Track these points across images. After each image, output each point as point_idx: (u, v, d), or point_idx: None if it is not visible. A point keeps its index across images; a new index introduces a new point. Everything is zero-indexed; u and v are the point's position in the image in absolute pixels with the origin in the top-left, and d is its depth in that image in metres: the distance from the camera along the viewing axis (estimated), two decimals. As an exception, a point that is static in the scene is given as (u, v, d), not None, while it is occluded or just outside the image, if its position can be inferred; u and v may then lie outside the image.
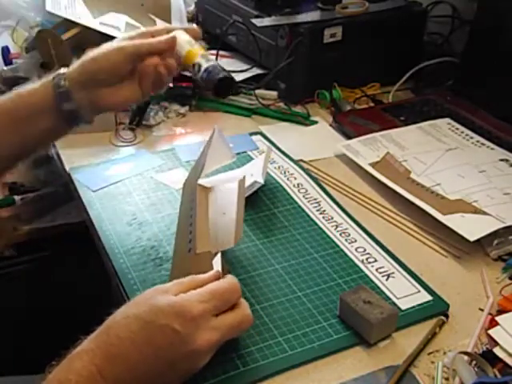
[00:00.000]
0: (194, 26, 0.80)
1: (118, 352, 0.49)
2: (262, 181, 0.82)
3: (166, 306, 0.50)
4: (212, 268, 0.59)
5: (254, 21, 1.12)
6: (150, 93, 0.76)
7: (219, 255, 0.62)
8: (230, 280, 0.55)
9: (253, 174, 0.84)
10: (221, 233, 0.67)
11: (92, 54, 0.71)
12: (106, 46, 0.72)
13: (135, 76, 0.73)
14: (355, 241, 0.77)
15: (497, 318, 0.64)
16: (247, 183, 0.81)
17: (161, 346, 0.50)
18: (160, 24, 1.28)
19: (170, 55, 0.74)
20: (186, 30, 0.77)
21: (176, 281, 0.55)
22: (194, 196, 0.66)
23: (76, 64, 0.72)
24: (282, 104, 1.12)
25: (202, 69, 0.72)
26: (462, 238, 0.75)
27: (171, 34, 0.74)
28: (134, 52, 0.70)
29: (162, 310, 0.50)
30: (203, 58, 0.74)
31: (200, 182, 0.67)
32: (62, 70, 0.72)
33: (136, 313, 0.51)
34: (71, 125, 0.74)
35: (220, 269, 0.59)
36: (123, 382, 0.49)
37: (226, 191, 0.69)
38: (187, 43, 0.75)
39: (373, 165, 0.91)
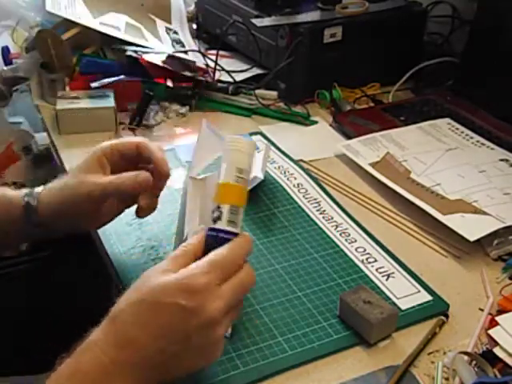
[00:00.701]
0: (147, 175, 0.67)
1: (127, 338, 0.48)
2: (261, 176, 0.82)
3: (168, 283, 0.49)
4: None
5: (254, 21, 1.12)
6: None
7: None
8: (230, 246, 0.53)
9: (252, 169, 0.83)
10: (208, 220, 0.67)
11: (64, 181, 0.68)
12: (77, 178, 0.67)
13: (112, 201, 0.69)
14: (355, 241, 0.77)
15: (497, 318, 0.64)
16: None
17: (170, 323, 0.49)
18: (160, 24, 1.28)
19: (146, 194, 0.68)
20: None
21: (169, 257, 0.53)
22: (187, 189, 0.66)
23: (50, 187, 0.69)
24: (282, 104, 1.12)
25: (213, 226, 0.55)
26: (462, 238, 0.75)
27: (151, 172, 0.66)
28: (99, 194, 0.66)
29: (166, 288, 0.49)
30: (231, 212, 0.55)
31: (193, 175, 0.67)
32: (36, 190, 0.69)
33: (139, 297, 0.50)
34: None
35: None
36: (138, 368, 0.49)
37: (217, 178, 0.69)
38: (233, 172, 0.56)
39: (373, 165, 0.91)
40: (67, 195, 0.67)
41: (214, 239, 0.54)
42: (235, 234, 0.55)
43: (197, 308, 0.49)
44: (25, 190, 0.70)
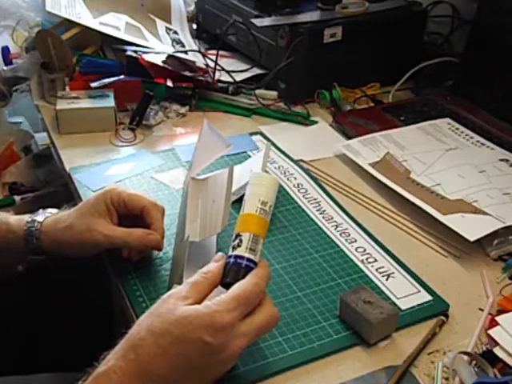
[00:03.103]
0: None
1: (149, 369, 0.48)
2: None
3: (194, 317, 0.49)
4: None
5: (254, 21, 1.12)
6: None
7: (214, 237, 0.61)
8: (253, 280, 0.53)
9: (252, 170, 0.84)
10: (209, 220, 0.67)
11: (70, 221, 0.69)
12: (85, 222, 0.68)
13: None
14: (355, 241, 0.77)
15: (497, 318, 0.64)
16: (247, 179, 0.81)
17: (192, 357, 0.49)
18: (160, 24, 1.28)
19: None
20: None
21: (189, 282, 0.53)
22: (187, 190, 0.66)
23: (54, 222, 0.70)
24: (282, 104, 1.12)
25: (233, 253, 0.55)
26: (462, 237, 0.74)
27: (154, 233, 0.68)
28: (106, 245, 0.69)
29: (191, 323, 0.49)
30: (252, 240, 0.55)
31: (193, 175, 0.67)
32: (39, 218, 0.71)
33: (162, 327, 0.49)
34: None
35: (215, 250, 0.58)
36: None
37: (217, 179, 0.70)
38: (256, 204, 0.56)
39: (373, 165, 0.91)
40: (73, 237, 0.68)
41: (236, 266, 0.55)
42: (255, 263, 0.55)
43: (221, 345, 0.49)
44: (26, 218, 0.71)
